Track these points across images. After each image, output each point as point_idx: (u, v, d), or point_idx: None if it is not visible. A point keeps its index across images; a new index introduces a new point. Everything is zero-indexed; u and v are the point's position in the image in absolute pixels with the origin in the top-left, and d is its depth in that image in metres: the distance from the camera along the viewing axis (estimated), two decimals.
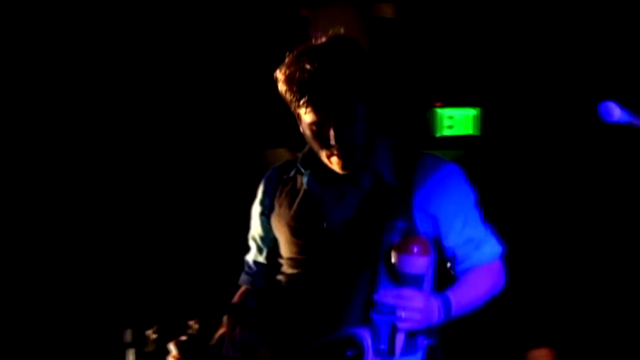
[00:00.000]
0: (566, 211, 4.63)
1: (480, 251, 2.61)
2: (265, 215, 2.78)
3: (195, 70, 4.74)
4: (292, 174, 2.72)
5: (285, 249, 2.68)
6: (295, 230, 2.63)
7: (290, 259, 2.66)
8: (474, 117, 4.88)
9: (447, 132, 4.84)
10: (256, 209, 2.82)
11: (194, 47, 4.69)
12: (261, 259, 2.85)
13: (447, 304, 2.47)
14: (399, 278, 2.41)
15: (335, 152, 2.52)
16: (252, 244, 2.88)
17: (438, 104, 4.84)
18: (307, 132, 2.55)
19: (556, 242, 4.67)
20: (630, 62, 4.49)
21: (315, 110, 2.47)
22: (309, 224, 2.60)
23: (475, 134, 4.88)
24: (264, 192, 2.79)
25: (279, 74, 2.52)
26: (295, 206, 2.65)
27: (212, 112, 4.82)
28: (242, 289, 2.88)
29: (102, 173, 4.48)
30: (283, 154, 5.04)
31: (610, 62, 4.55)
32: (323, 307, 2.50)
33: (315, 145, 2.55)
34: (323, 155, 2.56)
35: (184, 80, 4.71)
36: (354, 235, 2.51)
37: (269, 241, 2.80)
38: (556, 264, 4.62)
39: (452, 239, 2.58)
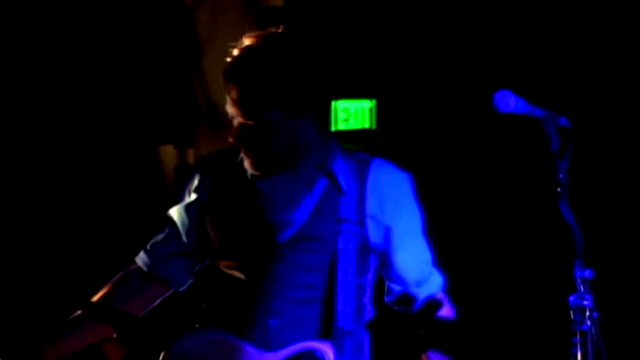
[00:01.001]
0: (466, 207, 4.60)
1: (428, 282, 2.53)
2: (196, 207, 2.53)
3: (83, 68, 4.62)
4: (233, 165, 2.51)
5: (221, 248, 2.47)
6: (239, 229, 2.45)
7: (227, 260, 2.45)
8: (370, 109, 4.80)
9: (342, 126, 4.74)
10: (185, 197, 2.56)
11: (82, 42, 4.55)
12: (175, 246, 2.56)
13: None
14: None
15: (243, 151, 2.40)
16: (169, 230, 2.57)
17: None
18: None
19: (459, 239, 4.63)
20: (525, 49, 4.51)
21: (230, 103, 2.36)
22: (254, 224, 2.43)
23: (372, 127, 4.79)
24: (200, 182, 2.53)
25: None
26: (239, 203, 2.46)
27: (103, 110, 4.69)
28: (134, 268, 2.61)
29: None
30: (172, 151, 4.93)
31: (506, 50, 4.54)
32: (270, 316, 2.37)
33: (230, 138, 2.43)
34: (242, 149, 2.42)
35: (76, 78, 4.58)
36: (305, 238, 2.40)
37: (193, 234, 2.54)
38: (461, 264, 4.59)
39: (403, 257, 2.48)
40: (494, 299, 4.52)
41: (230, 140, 2.38)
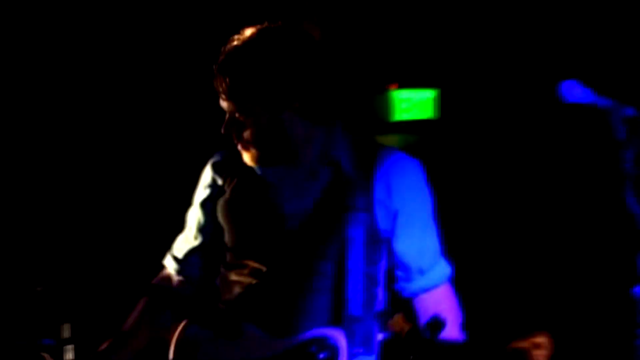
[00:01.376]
0: (531, 197, 4.56)
1: (433, 271, 2.48)
2: (211, 202, 2.60)
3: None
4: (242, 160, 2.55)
5: (232, 240, 2.52)
6: (249, 221, 2.49)
7: (239, 252, 2.50)
8: (432, 99, 4.78)
9: (403, 117, 4.73)
10: (200, 195, 2.64)
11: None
12: (196, 244, 2.65)
13: None
14: None
15: (236, 144, 2.44)
16: (189, 230, 2.68)
17: (393, 86, 4.74)
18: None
19: (521, 232, 4.60)
20: (591, 40, 4.45)
21: (220, 96, 2.40)
22: (264, 215, 2.47)
23: (433, 117, 4.77)
24: (213, 177, 2.61)
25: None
26: (249, 195, 2.50)
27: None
28: (166, 273, 2.69)
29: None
30: None
31: (572, 40, 4.48)
32: (282, 305, 2.39)
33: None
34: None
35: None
36: (313, 228, 2.41)
37: (210, 229, 2.62)
38: (526, 258, 4.57)
39: (407, 243, 2.44)
40: (558, 291, 4.48)
41: (222, 132, 2.41)
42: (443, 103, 4.78)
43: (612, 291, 3.63)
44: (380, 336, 2.41)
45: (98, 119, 4.41)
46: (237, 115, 2.38)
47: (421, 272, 2.46)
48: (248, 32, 2.40)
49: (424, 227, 2.46)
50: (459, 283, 2.54)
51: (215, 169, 2.61)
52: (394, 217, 2.42)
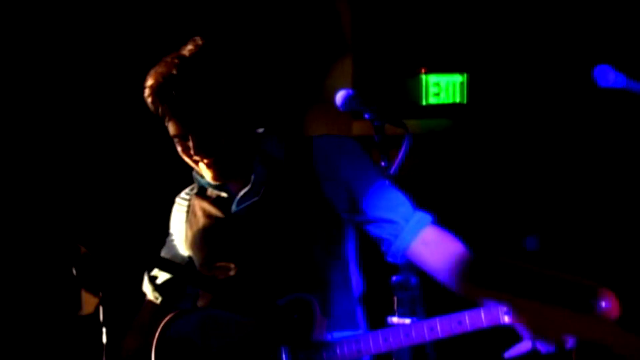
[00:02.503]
0: (561, 182, 4.53)
1: (414, 218, 2.51)
2: (175, 240, 2.76)
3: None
4: (189, 195, 2.71)
5: (202, 258, 2.66)
6: (211, 236, 2.62)
7: (208, 264, 2.63)
8: (461, 83, 4.75)
9: (433, 100, 4.70)
10: (169, 236, 2.79)
11: None
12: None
13: None
14: None
15: (204, 162, 2.50)
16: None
17: (423, 70, 4.71)
18: (175, 144, 2.52)
19: (551, 215, 4.57)
20: (624, 24, 4.39)
21: (173, 120, 2.46)
22: (222, 223, 2.60)
23: (463, 102, 4.74)
24: (174, 216, 2.76)
25: (146, 83, 2.48)
26: (209, 219, 2.63)
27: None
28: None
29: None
30: None
31: (604, 25, 4.43)
32: (256, 289, 2.49)
33: (184, 157, 2.53)
34: (195, 166, 2.55)
35: None
36: (264, 219, 2.51)
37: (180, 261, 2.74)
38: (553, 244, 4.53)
39: (377, 204, 2.49)
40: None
41: (192, 153, 2.47)
42: (472, 87, 4.74)
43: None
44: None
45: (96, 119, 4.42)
46: (186, 134, 2.44)
47: (406, 219, 2.48)
48: (185, 50, 2.46)
49: (382, 185, 2.49)
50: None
51: (176, 206, 2.73)
52: (349, 190, 2.48)
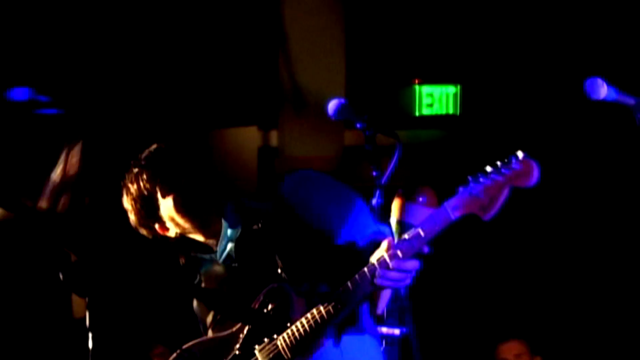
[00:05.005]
0: (551, 195, 4.53)
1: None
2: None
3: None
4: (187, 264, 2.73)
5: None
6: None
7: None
8: (455, 94, 4.76)
9: (426, 111, 4.71)
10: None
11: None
12: None
13: None
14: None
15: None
16: None
17: (416, 81, 4.72)
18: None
19: (543, 229, 4.57)
20: (616, 38, 4.41)
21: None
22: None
23: (456, 113, 4.75)
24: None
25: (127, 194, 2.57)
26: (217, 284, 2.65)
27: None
28: None
29: None
30: (256, 133, 4.95)
31: (596, 38, 4.44)
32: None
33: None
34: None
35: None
36: (274, 278, 2.51)
37: None
38: (534, 256, 4.55)
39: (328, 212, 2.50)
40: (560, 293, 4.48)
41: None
42: (465, 99, 4.75)
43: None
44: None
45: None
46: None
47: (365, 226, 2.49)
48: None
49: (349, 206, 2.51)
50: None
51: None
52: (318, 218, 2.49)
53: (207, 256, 2.61)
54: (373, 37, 4.75)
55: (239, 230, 2.52)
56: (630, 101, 2.36)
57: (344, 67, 4.70)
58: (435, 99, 4.72)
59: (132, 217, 2.55)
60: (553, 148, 4.55)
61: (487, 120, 4.71)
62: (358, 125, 2.52)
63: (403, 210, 2.60)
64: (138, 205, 2.52)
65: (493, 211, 2.28)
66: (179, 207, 2.49)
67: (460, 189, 2.31)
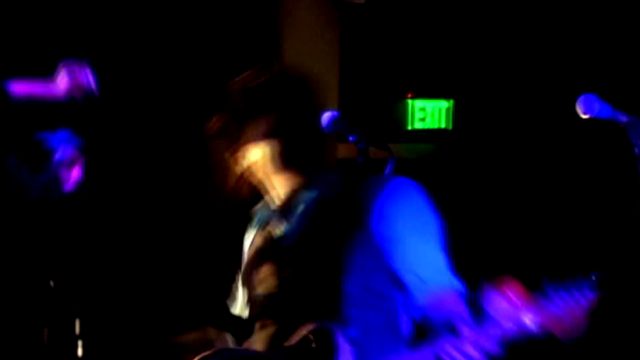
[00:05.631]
0: (543, 210, 4.54)
1: (436, 280, 2.32)
2: None
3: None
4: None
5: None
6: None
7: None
8: (447, 109, 4.77)
9: (418, 125, 4.72)
10: None
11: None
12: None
13: None
14: None
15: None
16: None
17: (409, 95, 4.73)
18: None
19: (534, 244, 4.58)
20: (609, 55, 4.43)
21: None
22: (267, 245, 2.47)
23: (448, 127, 4.76)
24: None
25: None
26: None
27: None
28: None
29: None
30: None
31: (589, 54, 4.46)
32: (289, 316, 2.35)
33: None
34: None
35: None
36: (305, 246, 2.38)
37: None
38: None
39: (402, 258, 2.34)
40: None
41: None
42: (457, 113, 4.76)
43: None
44: None
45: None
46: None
47: (423, 281, 2.32)
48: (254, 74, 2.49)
49: (422, 240, 2.36)
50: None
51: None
52: (389, 233, 2.34)
53: (267, 213, 2.48)
54: (367, 51, 4.76)
55: (315, 195, 2.43)
56: (623, 118, 2.37)
57: (338, 80, 4.71)
58: (428, 113, 4.73)
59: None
60: (545, 164, 4.57)
61: (479, 134, 4.72)
62: (351, 139, 2.51)
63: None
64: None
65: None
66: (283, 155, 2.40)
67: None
